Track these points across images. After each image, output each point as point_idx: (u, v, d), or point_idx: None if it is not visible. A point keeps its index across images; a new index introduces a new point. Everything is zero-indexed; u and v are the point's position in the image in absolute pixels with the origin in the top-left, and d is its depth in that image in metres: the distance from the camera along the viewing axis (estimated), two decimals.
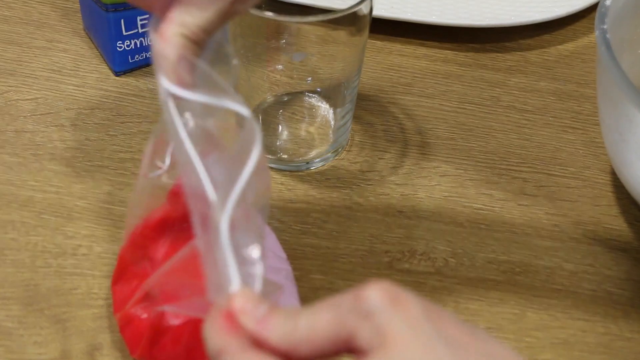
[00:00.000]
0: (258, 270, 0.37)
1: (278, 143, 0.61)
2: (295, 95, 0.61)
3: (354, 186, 0.60)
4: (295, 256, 0.55)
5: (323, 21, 0.54)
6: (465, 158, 0.62)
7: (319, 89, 0.61)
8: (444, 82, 0.68)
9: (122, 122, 0.62)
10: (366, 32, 0.57)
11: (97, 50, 0.67)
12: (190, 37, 0.39)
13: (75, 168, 0.59)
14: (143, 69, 0.66)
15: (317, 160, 0.61)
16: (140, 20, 0.64)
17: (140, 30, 0.64)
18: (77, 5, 0.69)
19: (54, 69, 0.66)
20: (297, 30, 0.57)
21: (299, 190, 0.59)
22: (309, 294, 0.53)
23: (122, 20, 0.63)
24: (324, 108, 0.61)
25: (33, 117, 0.62)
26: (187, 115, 0.39)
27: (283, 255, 0.53)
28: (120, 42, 0.64)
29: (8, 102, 0.63)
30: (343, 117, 0.60)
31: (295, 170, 0.61)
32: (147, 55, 0.66)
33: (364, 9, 0.55)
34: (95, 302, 0.52)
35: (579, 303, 0.55)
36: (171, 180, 0.47)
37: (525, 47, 0.71)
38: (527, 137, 0.64)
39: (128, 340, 0.48)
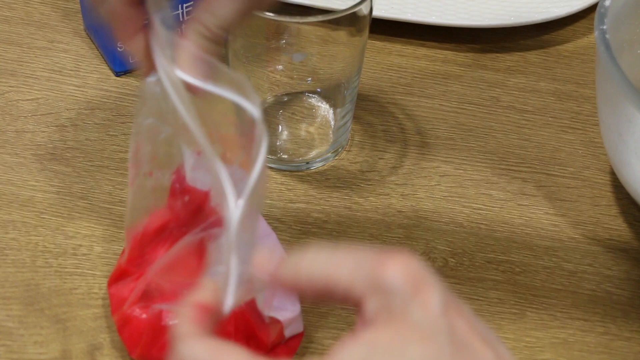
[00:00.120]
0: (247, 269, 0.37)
1: (278, 143, 0.61)
2: (295, 96, 0.61)
3: (354, 186, 0.60)
4: None
5: (323, 21, 0.54)
6: (465, 158, 0.63)
7: (319, 89, 0.61)
8: (443, 83, 0.68)
9: (122, 122, 0.62)
10: (366, 32, 0.57)
11: (98, 50, 0.67)
12: (210, 36, 0.41)
13: (75, 168, 0.59)
14: None
15: (317, 160, 0.61)
16: None
17: None
18: (78, 6, 0.69)
19: (55, 70, 0.66)
20: (297, 31, 0.57)
21: (299, 190, 0.59)
22: None
23: None
24: (324, 108, 0.61)
25: (34, 118, 0.62)
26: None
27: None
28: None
29: (9, 103, 0.63)
30: (343, 117, 0.60)
31: (295, 170, 0.61)
32: None
33: (364, 9, 0.55)
34: (95, 301, 0.52)
35: (579, 303, 0.55)
36: (161, 181, 0.48)
37: (525, 47, 0.71)
38: (527, 137, 0.64)
39: (127, 341, 0.48)
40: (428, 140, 0.64)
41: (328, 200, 0.59)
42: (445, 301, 0.33)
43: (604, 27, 0.54)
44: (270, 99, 0.61)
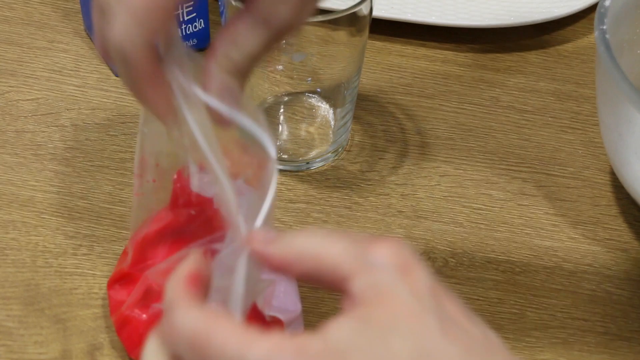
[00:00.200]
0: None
1: (278, 143, 0.61)
2: (295, 96, 0.61)
3: (354, 186, 0.60)
4: None
5: (323, 21, 0.54)
6: (465, 158, 0.63)
7: (319, 89, 0.61)
8: (443, 83, 0.68)
9: (122, 122, 0.62)
10: (366, 32, 0.57)
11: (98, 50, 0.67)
12: (235, 70, 0.39)
13: (75, 168, 0.59)
14: None
15: (317, 160, 0.61)
16: None
17: None
18: (78, 6, 0.69)
19: (55, 70, 0.66)
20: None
21: (299, 190, 0.59)
22: (309, 294, 0.53)
23: None
24: (324, 108, 0.61)
25: (34, 118, 0.62)
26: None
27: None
28: None
29: (9, 103, 0.63)
30: (343, 117, 0.60)
31: (295, 170, 0.61)
32: None
33: (364, 9, 0.55)
34: (95, 301, 0.52)
35: (579, 303, 0.55)
36: (164, 182, 0.48)
37: (524, 47, 0.71)
38: (527, 137, 0.64)
39: (126, 341, 0.48)
40: (428, 140, 0.64)
41: (328, 200, 0.59)
42: (433, 283, 0.33)
43: (604, 27, 0.54)
44: (270, 99, 0.61)
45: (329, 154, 0.61)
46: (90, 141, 0.61)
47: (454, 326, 0.32)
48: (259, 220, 0.37)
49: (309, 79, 0.60)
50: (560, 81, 0.69)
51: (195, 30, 0.66)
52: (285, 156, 0.61)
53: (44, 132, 0.61)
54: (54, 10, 0.70)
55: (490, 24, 0.70)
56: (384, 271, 0.33)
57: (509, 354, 0.33)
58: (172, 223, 0.48)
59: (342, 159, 0.62)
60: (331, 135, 0.61)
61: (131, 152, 0.60)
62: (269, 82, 0.59)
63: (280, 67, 0.59)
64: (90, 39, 0.68)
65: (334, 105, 0.61)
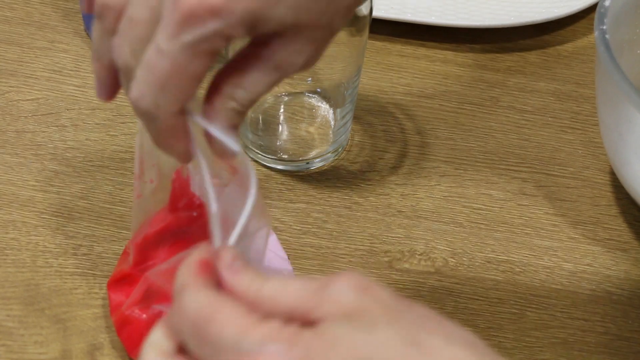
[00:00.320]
0: None
1: (278, 143, 0.61)
2: (295, 96, 0.61)
3: (354, 186, 0.60)
4: (295, 256, 0.55)
5: None
6: (465, 158, 0.63)
7: (319, 89, 0.61)
8: (443, 83, 0.68)
9: (122, 122, 0.62)
10: (366, 32, 0.57)
11: None
12: (240, 110, 0.39)
13: (75, 168, 0.59)
14: None
15: (317, 160, 0.61)
16: None
17: None
18: (78, 6, 0.69)
19: (55, 70, 0.66)
20: None
21: (299, 190, 0.59)
22: None
23: None
24: (324, 108, 0.61)
25: (34, 118, 0.62)
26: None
27: (284, 255, 0.54)
28: None
29: (9, 103, 0.63)
30: (343, 117, 0.60)
31: (295, 170, 0.61)
32: None
33: (363, 9, 0.55)
34: (95, 301, 0.52)
35: (578, 303, 0.55)
36: (163, 183, 0.48)
37: (524, 47, 0.71)
38: (527, 138, 0.64)
39: (126, 341, 0.48)
40: (428, 141, 0.64)
41: (328, 200, 0.59)
42: (394, 295, 0.34)
43: (604, 27, 0.54)
44: (270, 98, 0.61)
45: (329, 154, 0.61)
46: (90, 141, 0.61)
47: (428, 321, 0.33)
48: (233, 238, 0.37)
49: (309, 79, 0.60)
50: (560, 81, 0.69)
51: None
52: (285, 156, 0.61)
53: (44, 132, 0.61)
54: (54, 10, 0.70)
55: (490, 24, 0.70)
56: (346, 294, 0.33)
57: (488, 348, 0.33)
58: (173, 224, 0.48)
59: (342, 159, 0.62)
60: (331, 135, 0.61)
61: (131, 152, 0.60)
62: None
63: None
64: (90, 39, 0.68)
65: (334, 105, 0.61)
